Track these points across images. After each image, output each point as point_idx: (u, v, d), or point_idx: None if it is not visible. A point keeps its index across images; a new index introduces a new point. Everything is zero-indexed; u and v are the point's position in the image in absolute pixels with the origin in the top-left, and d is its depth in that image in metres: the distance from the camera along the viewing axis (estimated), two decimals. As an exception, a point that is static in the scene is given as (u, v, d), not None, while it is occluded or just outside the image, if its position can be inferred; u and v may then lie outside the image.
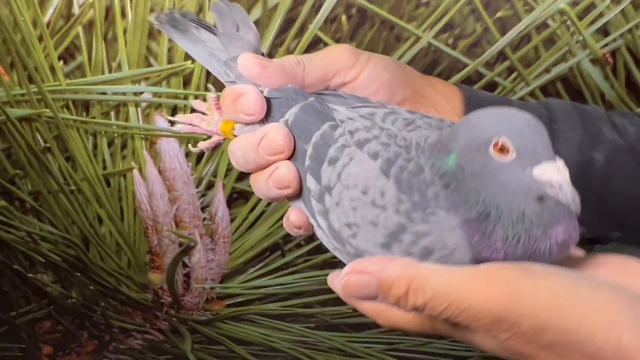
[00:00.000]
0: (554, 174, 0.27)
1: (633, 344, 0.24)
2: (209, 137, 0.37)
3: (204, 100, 0.37)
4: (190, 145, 0.64)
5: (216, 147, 0.37)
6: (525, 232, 0.28)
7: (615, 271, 0.27)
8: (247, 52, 0.34)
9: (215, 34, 0.36)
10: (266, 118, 0.34)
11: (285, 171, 0.32)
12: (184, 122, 0.37)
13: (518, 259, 0.28)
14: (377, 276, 0.28)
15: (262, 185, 0.33)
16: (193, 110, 0.38)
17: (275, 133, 0.32)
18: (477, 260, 0.28)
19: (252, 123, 0.34)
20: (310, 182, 0.32)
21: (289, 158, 0.33)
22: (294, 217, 0.33)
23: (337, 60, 0.35)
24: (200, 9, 0.59)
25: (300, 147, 0.32)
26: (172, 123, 0.38)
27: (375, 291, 0.28)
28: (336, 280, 0.29)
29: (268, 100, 0.33)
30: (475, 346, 0.28)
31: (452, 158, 0.29)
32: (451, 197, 0.29)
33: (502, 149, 0.28)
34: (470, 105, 0.39)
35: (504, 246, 0.28)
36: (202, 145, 0.36)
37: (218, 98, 0.36)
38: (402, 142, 0.31)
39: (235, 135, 0.35)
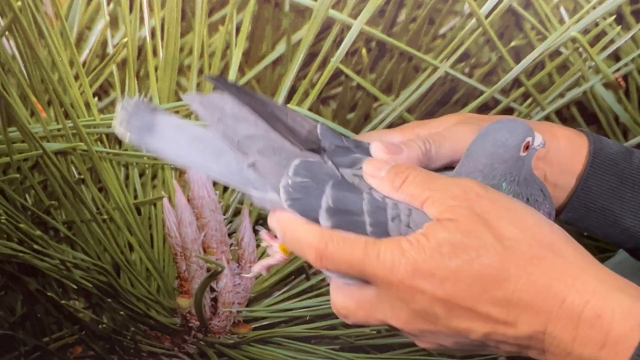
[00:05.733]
0: (538, 135, 0.34)
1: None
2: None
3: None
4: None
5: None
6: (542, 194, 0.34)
7: None
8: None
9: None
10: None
11: None
12: (261, 269, 0.37)
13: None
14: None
15: None
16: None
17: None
18: None
19: None
20: None
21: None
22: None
23: (466, 141, 0.34)
24: (227, 46, 0.62)
25: (349, 219, 0.32)
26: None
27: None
28: None
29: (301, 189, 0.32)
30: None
31: (504, 185, 0.33)
32: None
33: (527, 146, 0.33)
34: (595, 160, 0.38)
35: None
36: (259, 268, 0.36)
37: (268, 231, 0.35)
38: None
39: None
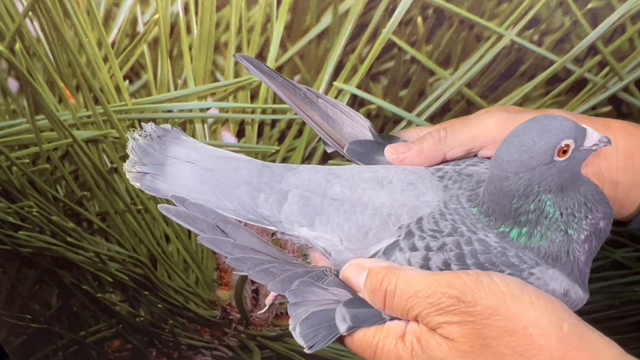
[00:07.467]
0: (594, 132, 0.28)
1: (572, 331, 0.27)
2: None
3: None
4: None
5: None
6: (587, 211, 0.30)
7: None
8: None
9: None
10: None
11: None
12: (273, 298, 0.37)
13: (592, 248, 0.30)
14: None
15: None
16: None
17: None
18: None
19: None
20: None
21: None
22: None
23: (487, 133, 0.33)
24: (267, 20, 0.56)
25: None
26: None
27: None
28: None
29: None
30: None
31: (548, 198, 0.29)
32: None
33: (565, 150, 0.28)
34: None
35: (583, 251, 0.29)
36: (271, 299, 0.37)
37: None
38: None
39: None
